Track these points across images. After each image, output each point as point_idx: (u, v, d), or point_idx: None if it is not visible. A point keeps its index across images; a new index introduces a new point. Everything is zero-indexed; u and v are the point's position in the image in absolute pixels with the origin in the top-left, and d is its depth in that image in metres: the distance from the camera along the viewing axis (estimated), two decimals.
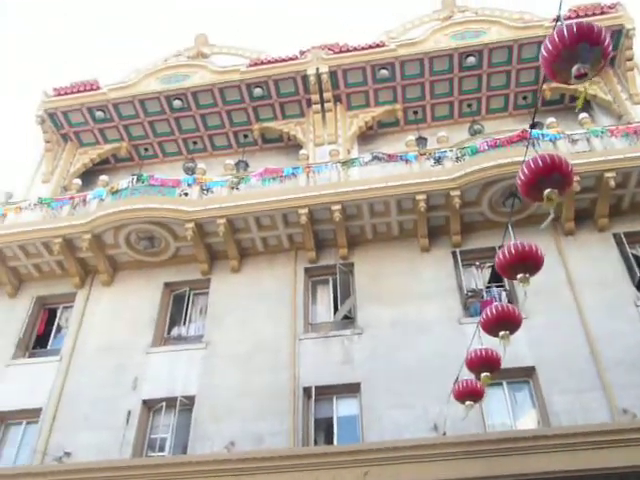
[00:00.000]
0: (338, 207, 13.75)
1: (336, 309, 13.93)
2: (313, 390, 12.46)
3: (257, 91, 17.52)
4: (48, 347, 14.81)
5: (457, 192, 13.46)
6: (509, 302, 12.70)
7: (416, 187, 13.63)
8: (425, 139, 16.83)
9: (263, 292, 14.13)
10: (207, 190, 14.73)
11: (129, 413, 12.82)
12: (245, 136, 18.42)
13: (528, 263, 5.98)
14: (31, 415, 13.42)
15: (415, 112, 17.82)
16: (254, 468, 9.15)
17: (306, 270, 14.45)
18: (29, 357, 14.56)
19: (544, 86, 16.54)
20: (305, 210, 13.82)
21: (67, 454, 12.27)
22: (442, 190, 13.61)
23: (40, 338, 15.07)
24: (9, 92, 71.77)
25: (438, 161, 14.20)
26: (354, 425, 12.03)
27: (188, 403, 12.85)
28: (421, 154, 14.51)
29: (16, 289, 15.44)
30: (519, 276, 5.94)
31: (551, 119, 14.70)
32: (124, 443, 12.40)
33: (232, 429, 12.09)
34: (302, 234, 14.28)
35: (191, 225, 14.03)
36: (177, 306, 14.81)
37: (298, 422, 12.03)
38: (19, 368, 14.16)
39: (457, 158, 14.04)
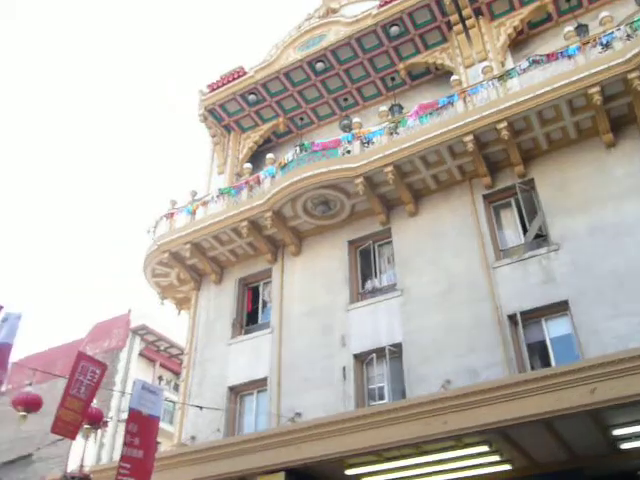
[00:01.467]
0: (504, 124, 12.95)
1: (525, 230, 13.28)
2: (518, 316, 12.09)
3: (394, 30, 16.97)
4: (259, 322, 16.00)
5: (636, 73, 11.99)
6: None
7: (586, 80, 12.35)
8: (585, 26, 15.15)
9: (445, 229, 13.91)
10: (367, 142, 14.68)
11: (344, 369, 13.46)
12: (392, 79, 18.01)
13: None
14: (259, 385, 14.68)
15: None
16: (473, 402, 9.07)
17: (485, 197, 13.92)
18: (245, 334, 15.84)
19: None
20: (470, 137, 13.23)
21: (298, 414, 13.23)
22: (617, 76, 12.20)
23: (250, 315, 16.33)
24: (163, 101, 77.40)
25: (606, 46, 12.72)
26: (570, 344, 11.46)
27: (396, 351, 13.14)
28: (584, 43, 13.10)
29: (219, 276, 16.82)
30: None
31: None
32: (345, 397, 13.07)
33: (445, 368, 12.17)
34: (472, 162, 13.72)
35: (360, 180, 14.12)
36: (365, 260, 15.13)
37: (510, 351, 11.78)
38: (239, 345, 15.49)
39: (628, 36, 12.48)
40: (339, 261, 15.01)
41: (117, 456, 25.01)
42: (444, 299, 13.07)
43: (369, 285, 14.75)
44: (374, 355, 13.42)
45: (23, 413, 9.80)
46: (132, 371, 29.16)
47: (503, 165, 13.82)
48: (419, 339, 12.91)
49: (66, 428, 8.13)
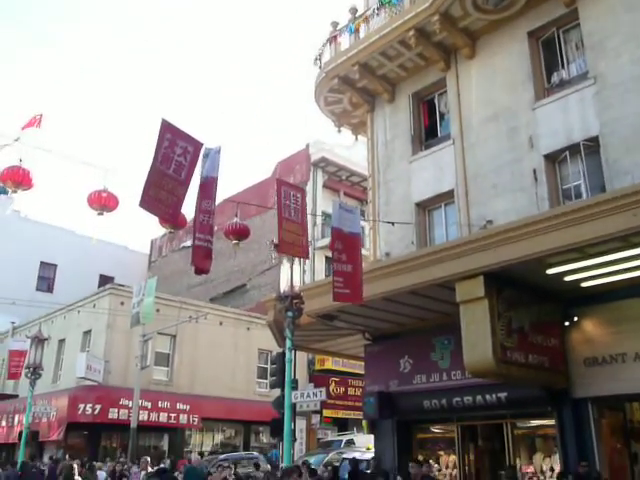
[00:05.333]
0: None
1: None
2: None
3: None
4: (438, 135, 15.58)
5: None
6: None
7: None
8: None
9: None
10: None
11: (534, 171, 12.83)
12: None
13: None
14: (445, 198, 14.63)
15: None
16: None
17: None
18: (425, 149, 15.58)
19: None
20: None
21: (489, 222, 13.06)
22: None
23: (428, 129, 15.92)
24: None
25: None
26: None
27: (592, 145, 12.15)
28: None
29: (391, 94, 16.38)
30: None
31: None
32: (539, 200, 12.57)
33: None
34: None
35: None
36: (549, 51, 13.68)
37: None
38: (421, 161, 15.35)
39: None
40: (519, 56, 13.73)
41: (318, 279, 27.19)
42: None
43: (556, 78, 13.44)
44: (567, 153, 12.55)
45: (235, 241, 10.81)
46: (319, 202, 30.78)
47: None
48: (619, 129, 11.72)
49: (291, 248, 8.76)
